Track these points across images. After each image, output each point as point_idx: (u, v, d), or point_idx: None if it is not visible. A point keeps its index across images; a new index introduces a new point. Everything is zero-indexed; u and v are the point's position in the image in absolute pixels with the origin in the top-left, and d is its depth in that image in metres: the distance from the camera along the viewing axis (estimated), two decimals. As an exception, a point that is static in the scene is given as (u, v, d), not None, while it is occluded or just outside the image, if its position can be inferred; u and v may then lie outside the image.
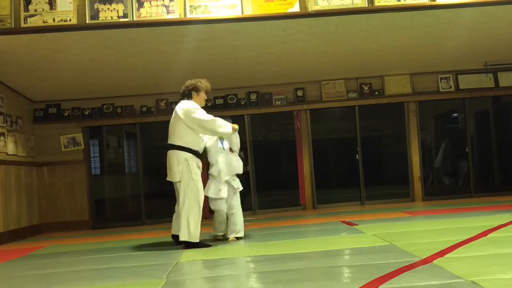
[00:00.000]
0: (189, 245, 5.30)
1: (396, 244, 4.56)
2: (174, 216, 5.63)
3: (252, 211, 9.26)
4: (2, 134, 7.53)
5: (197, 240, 5.30)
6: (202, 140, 5.55)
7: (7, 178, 7.60)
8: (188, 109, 5.39)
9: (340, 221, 6.95)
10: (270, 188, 9.78)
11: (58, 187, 8.97)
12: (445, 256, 3.82)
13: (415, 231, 5.58)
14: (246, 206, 9.34)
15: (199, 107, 5.46)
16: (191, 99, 5.52)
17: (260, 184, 9.38)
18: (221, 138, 5.70)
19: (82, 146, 9.02)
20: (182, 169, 5.28)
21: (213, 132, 5.44)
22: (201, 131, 5.41)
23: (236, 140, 5.71)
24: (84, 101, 9.00)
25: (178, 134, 5.39)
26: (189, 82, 5.58)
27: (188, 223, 5.24)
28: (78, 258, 5.40)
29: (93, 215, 9.17)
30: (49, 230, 8.79)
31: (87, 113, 9.06)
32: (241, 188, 5.77)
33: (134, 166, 9.90)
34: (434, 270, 3.36)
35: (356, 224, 6.39)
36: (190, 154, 5.34)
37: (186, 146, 5.34)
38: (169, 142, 5.45)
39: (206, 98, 5.69)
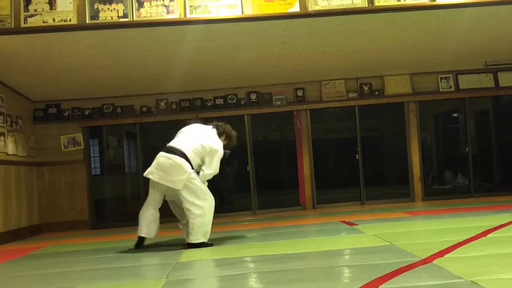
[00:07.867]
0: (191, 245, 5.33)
1: (396, 244, 4.56)
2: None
3: (252, 211, 9.26)
4: (2, 134, 7.53)
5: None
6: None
7: (7, 178, 7.60)
8: (219, 147, 5.48)
9: (340, 221, 6.94)
10: (270, 188, 9.77)
11: (58, 187, 8.96)
12: (445, 256, 3.82)
13: (415, 231, 5.58)
14: (246, 206, 9.39)
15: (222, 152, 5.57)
16: (220, 137, 5.63)
17: (260, 184, 9.37)
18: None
19: (82, 146, 9.02)
20: (184, 179, 5.27)
21: (203, 171, 5.43)
22: (201, 158, 5.43)
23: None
24: (84, 101, 8.99)
25: (193, 146, 5.40)
26: (229, 128, 5.79)
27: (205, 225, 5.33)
28: (78, 258, 5.40)
29: (93, 215, 9.15)
30: (49, 230, 8.78)
31: (87, 113, 9.06)
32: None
33: (134, 166, 9.90)
34: (434, 270, 3.36)
35: (356, 224, 6.39)
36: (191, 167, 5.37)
37: (190, 161, 5.35)
38: (178, 146, 5.39)
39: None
